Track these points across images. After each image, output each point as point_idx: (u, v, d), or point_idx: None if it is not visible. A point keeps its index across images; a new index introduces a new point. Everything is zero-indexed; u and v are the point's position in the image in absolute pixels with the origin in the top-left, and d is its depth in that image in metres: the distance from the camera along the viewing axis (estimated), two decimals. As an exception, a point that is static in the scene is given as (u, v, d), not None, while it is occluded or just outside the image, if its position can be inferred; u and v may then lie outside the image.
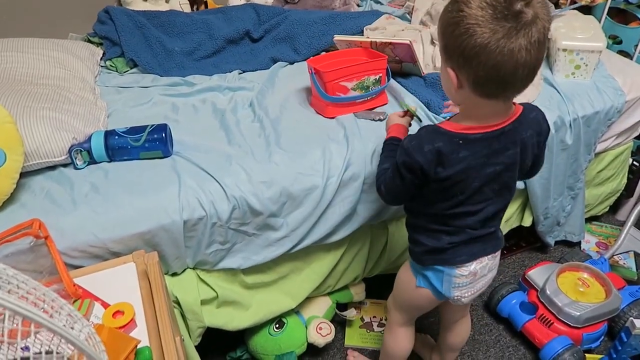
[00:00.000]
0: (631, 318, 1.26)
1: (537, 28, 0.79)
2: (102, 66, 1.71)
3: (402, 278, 1.20)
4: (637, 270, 1.76)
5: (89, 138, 1.24)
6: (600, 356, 1.42)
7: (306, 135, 1.35)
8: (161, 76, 1.66)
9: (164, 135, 1.25)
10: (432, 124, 0.98)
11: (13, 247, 0.95)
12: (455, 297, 1.11)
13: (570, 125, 1.54)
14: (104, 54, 1.74)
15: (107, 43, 1.75)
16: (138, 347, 0.86)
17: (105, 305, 0.94)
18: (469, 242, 1.05)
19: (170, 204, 1.15)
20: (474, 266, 1.07)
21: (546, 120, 1.02)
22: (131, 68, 1.71)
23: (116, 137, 1.25)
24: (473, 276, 1.08)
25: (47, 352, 0.56)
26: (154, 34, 1.74)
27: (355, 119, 1.41)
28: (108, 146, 1.23)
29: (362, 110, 1.44)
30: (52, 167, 1.22)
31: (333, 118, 1.41)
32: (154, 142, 1.25)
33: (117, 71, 1.69)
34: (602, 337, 1.53)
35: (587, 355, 1.47)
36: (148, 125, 1.27)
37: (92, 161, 1.24)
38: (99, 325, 0.86)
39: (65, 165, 1.23)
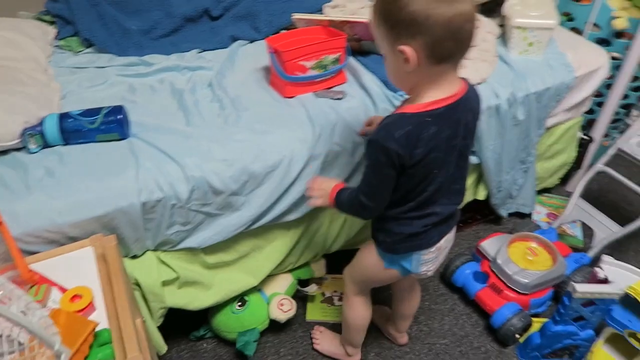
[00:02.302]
0: (573, 283, 1.34)
1: None
2: (55, 46, 1.66)
3: (367, 259, 1.21)
4: (583, 238, 1.86)
5: (43, 121, 1.22)
6: (545, 319, 1.51)
7: (266, 115, 1.36)
8: (118, 56, 1.63)
9: (120, 117, 1.25)
10: (392, 113, 0.99)
11: (-36, 235, 0.95)
12: (422, 272, 1.16)
13: (522, 101, 1.59)
14: (57, 33, 1.69)
15: (60, 22, 1.70)
16: (97, 329, 0.88)
17: (62, 290, 0.96)
18: (438, 224, 1.09)
19: (127, 186, 1.15)
20: (440, 242, 1.13)
21: (480, 104, 1.06)
22: (86, 48, 1.67)
23: (70, 119, 1.23)
24: (438, 251, 1.14)
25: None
26: (109, 12, 1.69)
27: (315, 98, 1.43)
28: (62, 129, 1.22)
29: (321, 89, 1.46)
30: (4, 152, 1.20)
31: (292, 97, 1.43)
32: (110, 124, 1.24)
33: (71, 51, 1.65)
34: (548, 301, 1.63)
35: (533, 319, 1.57)
36: (104, 107, 1.26)
37: (46, 145, 1.22)
38: (57, 309, 0.88)
39: (18, 150, 1.21)
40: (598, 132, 1.96)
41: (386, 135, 0.93)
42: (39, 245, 1.09)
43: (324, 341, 1.53)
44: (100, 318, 0.91)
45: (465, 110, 0.98)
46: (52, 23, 1.73)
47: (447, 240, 1.16)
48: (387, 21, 0.90)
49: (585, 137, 1.97)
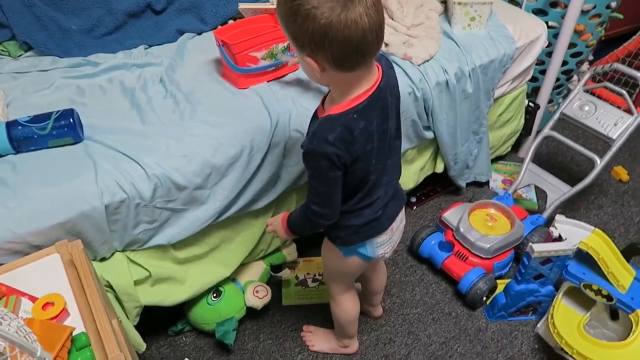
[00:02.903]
0: (531, 244, 1.41)
1: None
2: (-9, 52, 1.59)
3: (327, 254, 1.24)
4: (537, 201, 1.96)
5: (-11, 131, 1.18)
6: (508, 280, 1.59)
7: (222, 107, 1.36)
8: (61, 57, 1.57)
9: (71, 120, 1.21)
10: (317, 118, 0.99)
11: None
12: (380, 255, 1.19)
13: (469, 75, 1.65)
14: (-8, 38, 1.61)
15: (-6, 26, 1.62)
16: (74, 334, 0.87)
17: (33, 299, 0.93)
18: (385, 207, 1.11)
19: (88, 190, 1.13)
20: (392, 225, 1.15)
21: (396, 79, 1.06)
22: (25, 51, 1.60)
23: (19, 127, 1.18)
24: (391, 232, 1.17)
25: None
26: (46, 13, 1.62)
27: (269, 87, 1.43)
28: (11, 138, 1.17)
29: (273, 79, 1.46)
30: (-48, 166, 1.15)
31: (246, 88, 1.42)
32: (62, 128, 1.20)
33: (9, 56, 1.58)
34: (510, 263, 1.71)
35: (498, 281, 1.65)
36: (53, 112, 1.22)
37: (-5, 155, 1.18)
38: (30, 319, 0.86)
39: (-34, 162, 1.16)
40: (543, 98, 2.05)
41: (320, 141, 0.92)
42: (3, 256, 1.06)
43: (318, 340, 1.53)
44: (75, 323, 0.90)
45: (386, 94, 0.98)
46: (-15, 28, 1.64)
47: (399, 220, 1.18)
48: (288, 31, 0.88)
49: (531, 104, 2.05)
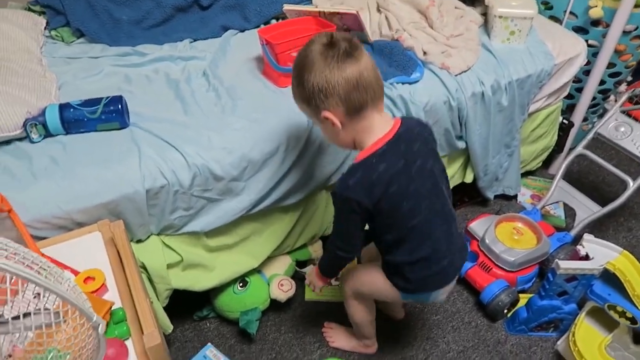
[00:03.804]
0: (557, 260, 1.41)
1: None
2: (46, 36, 1.66)
3: (384, 288, 1.22)
4: (565, 218, 1.95)
5: (43, 111, 1.24)
6: (531, 295, 1.59)
7: (262, 104, 1.40)
8: (110, 46, 1.64)
9: (120, 106, 1.27)
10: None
11: (-23, 222, 0.97)
12: (440, 299, 1.25)
13: (505, 88, 1.65)
14: (47, 23, 1.69)
15: (50, 12, 1.70)
16: (112, 308, 0.92)
17: (75, 272, 0.99)
18: (453, 257, 1.17)
19: (131, 174, 1.18)
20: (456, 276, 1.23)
21: (424, 126, 1.16)
22: (78, 38, 1.68)
23: (71, 109, 1.25)
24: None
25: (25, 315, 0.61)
26: (99, 2, 1.70)
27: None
28: (63, 119, 1.24)
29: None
30: (7, 142, 1.22)
31: (286, 87, 1.46)
32: (111, 113, 1.26)
33: (63, 41, 1.66)
34: (534, 278, 1.71)
35: (520, 294, 1.65)
36: (103, 97, 1.28)
37: (47, 135, 1.24)
38: (74, 290, 0.91)
39: (20, 140, 1.23)
40: (578, 116, 2.04)
41: (342, 185, 1.06)
42: (48, 230, 1.12)
43: (338, 338, 1.55)
44: (113, 298, 0.95)
45: (410, 139, 1.08)
46: (41, 13, 1.72)
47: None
48: (303, 100, 1.05)
49: (565, 121, 2.04)
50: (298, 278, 1.63)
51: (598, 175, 2.20)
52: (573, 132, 2.07)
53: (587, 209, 1.87)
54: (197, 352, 1.48)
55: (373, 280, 1.26)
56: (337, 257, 1.19)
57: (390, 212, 1.07)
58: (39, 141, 1.23)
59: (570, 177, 1.96)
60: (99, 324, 0.62)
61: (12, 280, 0.57)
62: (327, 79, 0.98)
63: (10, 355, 0.70)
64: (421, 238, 1.12)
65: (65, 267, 1.00)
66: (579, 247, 1.52)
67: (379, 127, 1.05)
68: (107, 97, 1.28)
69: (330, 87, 0.98)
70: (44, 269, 0.59)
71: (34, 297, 0.63)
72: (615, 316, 1.40)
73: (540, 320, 1.55)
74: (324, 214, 1.55)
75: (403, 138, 1.06)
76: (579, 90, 2.01)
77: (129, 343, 0.89)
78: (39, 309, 0.61)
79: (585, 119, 2.16)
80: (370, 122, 1.04)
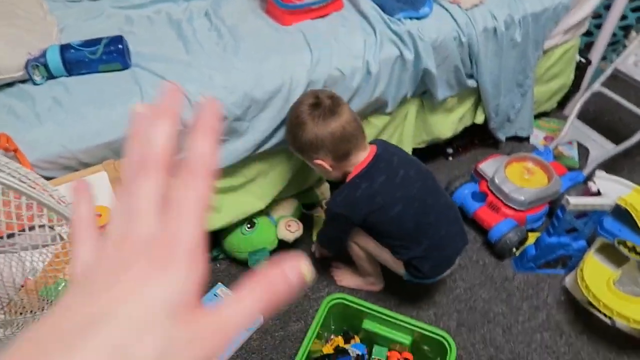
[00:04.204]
0: (566, 196, 1.39)
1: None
2: (46, -20, 1.63)
3: (386, 258, 1.38)
4: (579, 159, 1.91)
5: (44, 53, 1.23)
6: (539, 233, 1.58)
7: (265, 42, 1.37)
8: (111, -12, 1.61)
9: (120, 46, 1.25)
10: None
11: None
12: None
13: (519, 22, 1.59)
14: (47, -34, 1.65)
15: (48, -46, 1.66)
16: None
17: (82, 208, 1.00)
18: (452, 240, 1.36)
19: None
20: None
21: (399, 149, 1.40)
22: (78, -19, 1.64)
23: (72, 50, 1.24)
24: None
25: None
26: (99, -57, 1.65)
27: (313, 24, 1.43)
28: (65, 60, 1.23)
29: (317, 16, 1.46)
30: (10, 84, 1.22)
31: (290, 25, 1.43)
32: (112, 54, 1.25)
33: (63, -15, 1.62)
34: (544, 217, 1.70)
35: (529, 233, 1.64)
36: (104, 38, 1.26)
37: (50, 76, 1.24)
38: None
39: (23, 82, 1.23)
40: (596, 54, 1.96)
41: (332, 202, 1.32)
42: (54, 170, 1.13)
43: (345, 277, 1.58)
44: (120, 232, 0.97)
45: (387, 157, 1.29)
46: (41, -43, 1.68)
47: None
48: (297, 150, 1.29)
49: (582, 60, 1.97)
50: (305, 221, 1.64)
51: (614, 114, 2.14)
52: (590, 71, 1.99)
53: (601, 148, 1.83)
54: (208, 292, 1.53)
55: (381, 251, 1.38)
56: (320, 241, 1.54)
57: (382, 222, 1.27)
58: (42, 83, 1.23)
59: (585, 116, 1.90)
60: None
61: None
62: (317, 135, 1.20)
63: (22, 286, 0.73)
64: (422, 236, 1.28)
65: (73, 204, 1.02)
66: (590, 183, 1.50)
67: (361, 155, 1.27)
68: (108, 37, 1.26)
69: (320, 141, 1.21)
70: (52, 197, 0.59)
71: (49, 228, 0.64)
72: (625, 251, 1.39)
73: (548, 257, 1.55)
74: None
75: (382, 157, 1.28)
76: (598, 26, 1.93)
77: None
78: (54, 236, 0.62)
79: (604, 58, 2.08)
80: (356, 159, 1.27)
